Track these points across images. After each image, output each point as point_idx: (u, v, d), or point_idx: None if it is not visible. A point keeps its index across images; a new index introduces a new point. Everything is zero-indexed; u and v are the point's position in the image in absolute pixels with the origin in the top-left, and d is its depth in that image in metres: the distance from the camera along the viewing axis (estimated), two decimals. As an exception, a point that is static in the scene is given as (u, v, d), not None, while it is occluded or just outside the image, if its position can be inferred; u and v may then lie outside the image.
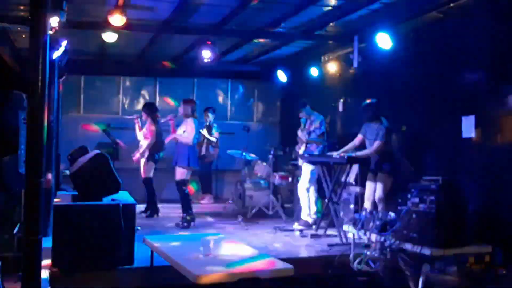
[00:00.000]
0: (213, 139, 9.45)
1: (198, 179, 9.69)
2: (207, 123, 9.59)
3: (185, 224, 6.91)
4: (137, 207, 4.97)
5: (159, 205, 8.09)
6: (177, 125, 7.39)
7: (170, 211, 8.29)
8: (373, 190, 6.25)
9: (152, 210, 7.92)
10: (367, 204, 6.41)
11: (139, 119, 8.24)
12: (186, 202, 7.03)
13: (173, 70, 10.32)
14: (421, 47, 6.57)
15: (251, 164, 8.83)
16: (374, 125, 6.26)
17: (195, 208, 7.49)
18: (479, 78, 5.75)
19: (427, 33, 6.58)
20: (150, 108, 8.21)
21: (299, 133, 7.32)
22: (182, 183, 7.01)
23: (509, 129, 5.40)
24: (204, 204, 9.49)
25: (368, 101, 6.35)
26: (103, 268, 4.55)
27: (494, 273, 4.85)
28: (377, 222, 4.99)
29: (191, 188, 8.36)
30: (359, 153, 6.33)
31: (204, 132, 9.33)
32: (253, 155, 8.61)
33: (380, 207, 6.14)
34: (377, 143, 6.14)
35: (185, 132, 7.03)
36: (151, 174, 7.95)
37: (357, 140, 6.49)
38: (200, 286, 3.35)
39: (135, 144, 8.31)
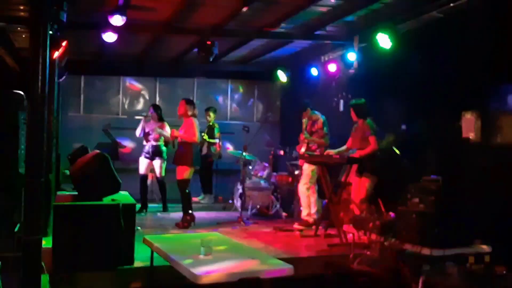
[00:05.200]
0: (214, 141, 9.43)
1: (198, 179, 9.69)
2: (209, 124, 9.56)
3: (185, 224, 6.91)
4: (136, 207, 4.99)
5: (157, 204, 8.17)
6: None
7: (170, 211, 8.30)
8: (357, 190, 6.37)
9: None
10: (355, 205, 6.45)
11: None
12: (186, 202, 7.02)
13: (173, 70, 10.32)
14: (421, 47, 6.57)
15: (251, 164, 8.83)
16: (359, 124, 6.53)
17: (195, 208, 7.50)
18: (479, 78, 5.75)
19: (427, 33, 6.57)
20: (159, 109, 8.36)
21: (302, 137, 7.30)
22: (184, 183, 7.00)
23: (509, 128, 5.40)
24: (204, 204, 9.48)
25: (354, 101, 6.60)
26: (103, 268, 4.56)
27: (494, 273, 4.84)
28: (377, 222, 4.98)
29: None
30: (362, 152, 6.39)
31: (205, 136, 9.31)
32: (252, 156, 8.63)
33: (362, 207, 6.15)
34: (372, 138, 6.35)
35: (187, 132, 7.01)
36: (148, 172, 8.16)
37: (349, 142, 6.71)
38: (200, 286, 3.35)
39: (136, 144, 8.34)
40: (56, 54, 6.65)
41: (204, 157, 9.12)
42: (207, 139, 9.32)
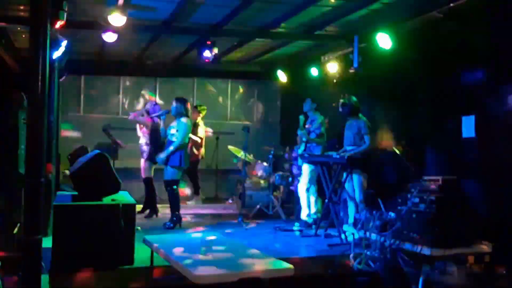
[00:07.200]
0: (197, 139, 8.98)
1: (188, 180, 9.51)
2: (194, 121, 9.33)
3: (171, 225, 6.85)
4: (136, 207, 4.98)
5: (158, 205, 8.09)
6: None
7: (169, 211, 8.28)
8: (352, 190, 6.35)
9: (151, 210, 7.91)
10: (351, 205, 6.46)
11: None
12: (174, 203, 6.96)
13: (173, 70, 10.32)
14: (421, 47, 6.57)
15: (251, 164, 8.82)
16: (353, 122, 6.60)
17: (195, 207, 7.49)
18: (479, 78, 5.75)
19: (427, 33, 6.58)
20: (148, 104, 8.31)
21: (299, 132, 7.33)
22: (172, 183, 6.93)
23: (509, 128, 5.40)
24: (191, 205, 9.28)
25: (343, 99, 6.67)
26: (103, 268, 4.55)
27: (494, 273, 4.85)
28: (377, 222, 4.99)
29: (182, 190, 8.15)
30: (356, 150, 6.41)
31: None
32: (252, 157, 8.63)
33: (360, 206, 6.17)
34: (367, 138, 6.45)
35: (178, 131, 6.93)
36: (151, 174, 7.94)
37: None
38: (200, 286, 3.35)
39: (135, 143, 8.31)
40: (56, 54, 6.66)
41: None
42: (192, 137, 9.14)
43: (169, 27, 7.53)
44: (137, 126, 8.19)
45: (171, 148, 6.84)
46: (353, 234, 5.48)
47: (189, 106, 7.20)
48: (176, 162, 6.85)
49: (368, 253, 4.86)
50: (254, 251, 4.26)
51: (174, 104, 7.10)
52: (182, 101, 7.14)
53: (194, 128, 9.12)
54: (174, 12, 6.89)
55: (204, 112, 9.29)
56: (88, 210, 4.62)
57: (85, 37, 7.99)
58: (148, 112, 8.00)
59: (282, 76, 9.77)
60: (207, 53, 7.91)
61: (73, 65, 8.60)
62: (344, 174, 6.34)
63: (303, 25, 7.60)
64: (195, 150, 9.09)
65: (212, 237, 4.72)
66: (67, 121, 9.43)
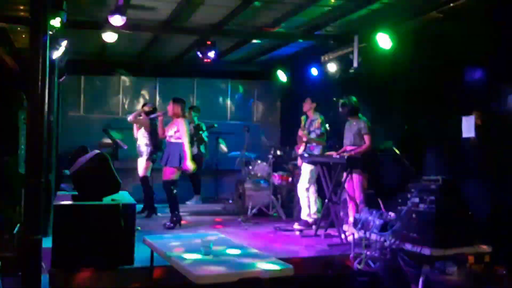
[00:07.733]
0: (205, 140, 9.20)
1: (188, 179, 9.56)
2: (195, 123, 9.36)
3: (171, 225, 6.85)
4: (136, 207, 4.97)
5: (158, 205, 8.09)
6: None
7: (169, 211, 8.28)
8: (352, 190, 6.35)
9: (150, 210, 7.92)
10: (351, 205, 6.46)
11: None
12: (173, 203, 6.96)
13: (173, 70, 10.32)
14: (421, 47, 6.57)
15: (251, 164, 8.82)
16: (353, 122, 6.65)
17: (196, 208, 7.47)
18: (479, 77, 5.75)
19: (427, 33, 6.57)
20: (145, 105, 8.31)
21: (300, 132, 7.33)
22: (171, 183, 6.92)
23: (509, 128, 5.40)
24: (191, 205, 9.27)
25: (342, 100, 6.72)
26: (103, 268, 4.56)
27: (494, 273, 4.85)
28: (377, 222, 4.99)
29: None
30: (356, 150, 6.42)
31: (201, 135, 9.19)
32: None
33: (360, 206, 6.16)
34: (368, 137, 6.47)
35: (177, 132, 6.93)
36: (148, 173, 7.96)
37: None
38: (200, 286, 3.35)
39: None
40: (56, 54, 6.66)
41: (196, 158, 8.86)
42: (203, 137, 9.19)
43: (169, 27, 7.52)
44: (134, 126, 8.19)
45: (187, 150, 6.85)
46: (353, 234, 5.48)
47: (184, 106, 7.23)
48: (176, 163, 6.85)
49: (368, 253, 4.87)
50: (254, 251, 4.26)
51: (171, 104, 7.09)
52: (179, 101, 7.14)
53: (198, 128, 9.18)
54: (174, 12, 6.89)
55: (199, 113, 9.43)
56: (88, 210, 4.62)
57: (85, 37, 7.98)
58: (146, 113, 8.01)
59: (282, 76, 9.76)
60: (207, 53, 7.91)
61: (73, 65, 8.60)
62: (344, 174, 6.33)
63: (303, 25, 7.59)
64: (202, 150, 9.19)
65: (212, 237, 4.72)
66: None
